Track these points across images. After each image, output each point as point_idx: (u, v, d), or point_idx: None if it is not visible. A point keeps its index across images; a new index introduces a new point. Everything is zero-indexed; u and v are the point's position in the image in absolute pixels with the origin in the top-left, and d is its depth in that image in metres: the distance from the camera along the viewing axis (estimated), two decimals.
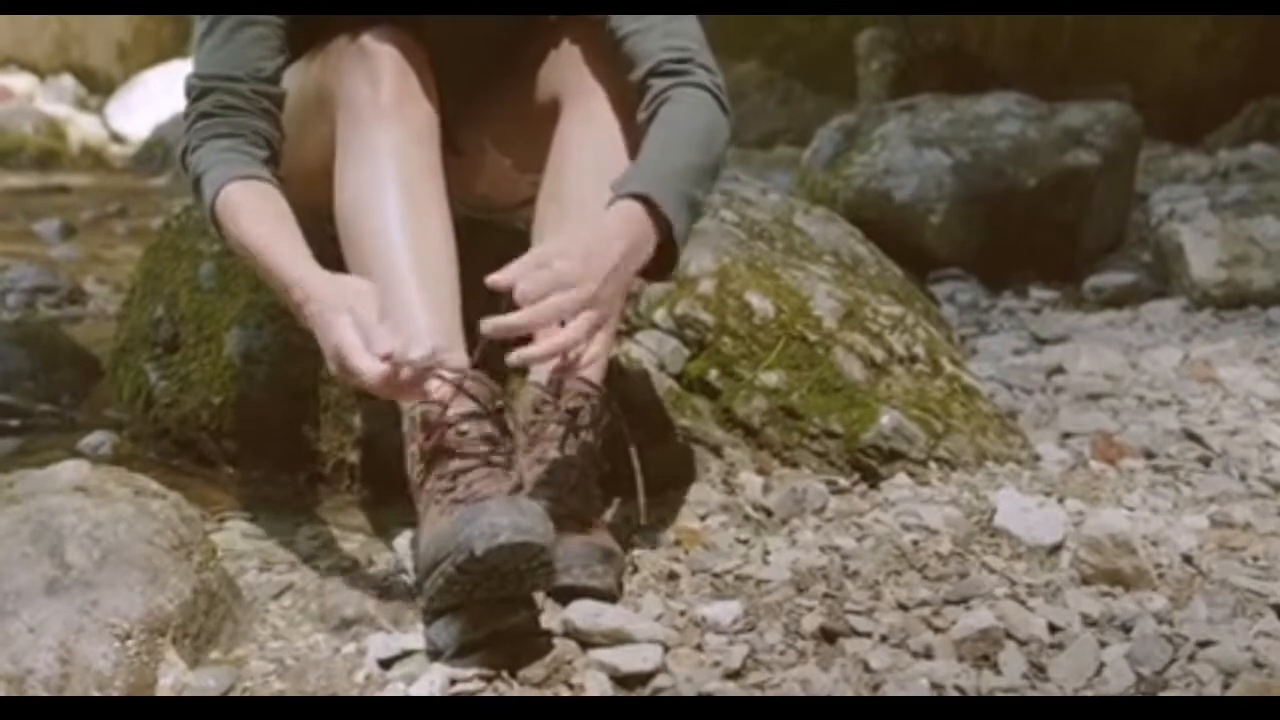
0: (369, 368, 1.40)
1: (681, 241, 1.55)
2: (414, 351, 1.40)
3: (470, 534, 1.38)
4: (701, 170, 1.59)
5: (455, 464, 1.49)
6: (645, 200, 1.52)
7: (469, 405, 1.52)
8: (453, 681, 1.42)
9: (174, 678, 1.40)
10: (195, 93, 1.67)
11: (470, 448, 1.50)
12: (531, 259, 1.44)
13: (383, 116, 1.64)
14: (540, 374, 1.67)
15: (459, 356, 1.56)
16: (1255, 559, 1.68)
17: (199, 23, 1.68)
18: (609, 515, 1.71)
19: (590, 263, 1.45)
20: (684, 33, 1.68)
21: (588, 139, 1.63)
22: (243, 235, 1.58)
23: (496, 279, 1.41)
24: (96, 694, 1.35)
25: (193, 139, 1.66)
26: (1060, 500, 1.81)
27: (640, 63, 1.66)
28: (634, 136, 1.66)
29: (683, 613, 1.55)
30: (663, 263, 1.56)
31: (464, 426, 1.50)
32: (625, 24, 1.68)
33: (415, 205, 1.63)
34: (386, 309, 1.49)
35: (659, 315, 2.01)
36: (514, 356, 1.42)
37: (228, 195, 1.60)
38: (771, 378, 1.96)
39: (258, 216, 1.58)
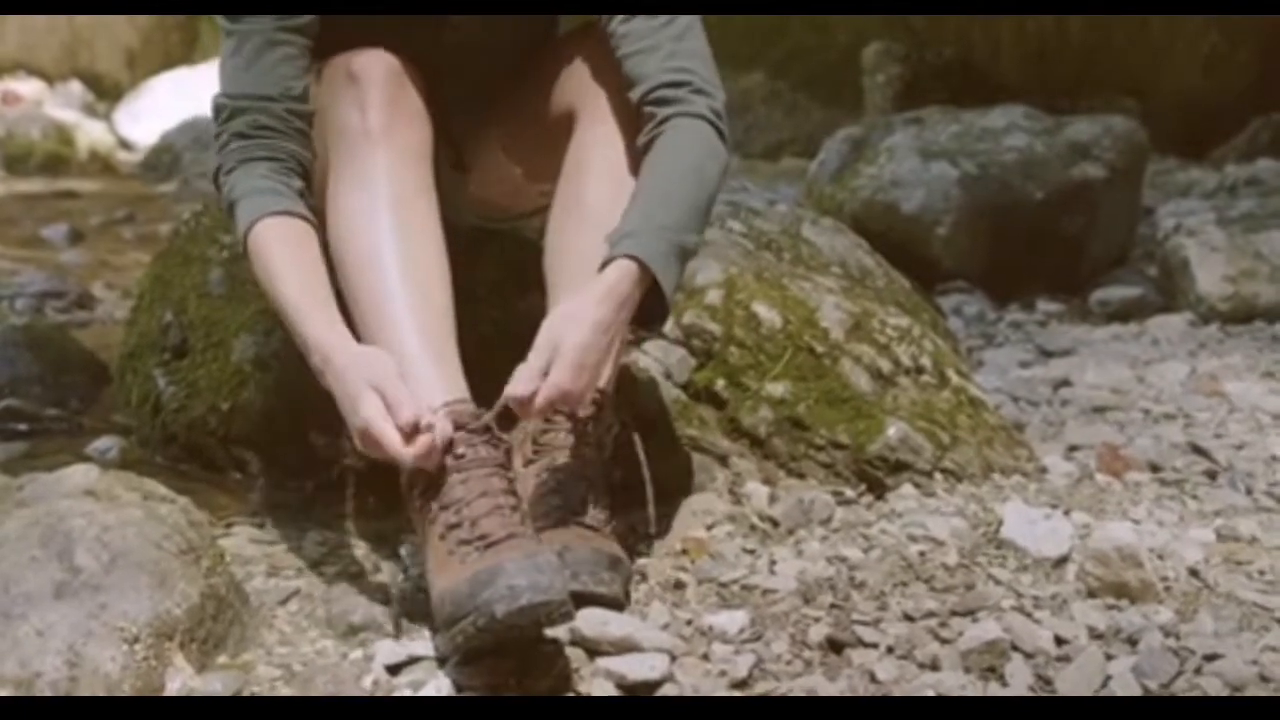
0: (397, 447, 1.45)
1: (670, 293, 1.58)
2: (439, 430, 1.47)
3: (490, 598, 1.37)
4: (693, 209, 1.61)
5: (456, 492, 1.47)
6: (635, 260, 1.54)
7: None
8: (459, 688, 1.42)
9: (181, 682, 1.41)
10: (227, 113, 1.65)
11: (467, 473, 1.49)
12: (537, 368, 1.50)
13: (372, 141, 1.63)
14: None
15: (457, 385, 1.56)
16: (1261, 573, 1.68)
17: (224, 41, 1.66)
18: (616, 523, 1.71)
19: (583, 361, 1.51)
20: (686, 52, 1.67)
21: (604, 147, 1.63)
22: (271, 281, 1.58)
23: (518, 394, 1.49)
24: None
25: (227, 160, 1.64)
26: (1066, 513, 1.81)
27: (639, 84, 1.66)
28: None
29: (689, 622, 1.56)
30: (652, 312, 1.59)
31: (460, 450, 1.49)
32: (627, 42, 1.67)
33: (407, 227, 1.62)
34: (380, 338, 1.55)
35: (666, 325, 2.01)
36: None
37: (261, 231, 1.60)
38: (778, 388, 1.96)
39: (288, 261, 1.58)
